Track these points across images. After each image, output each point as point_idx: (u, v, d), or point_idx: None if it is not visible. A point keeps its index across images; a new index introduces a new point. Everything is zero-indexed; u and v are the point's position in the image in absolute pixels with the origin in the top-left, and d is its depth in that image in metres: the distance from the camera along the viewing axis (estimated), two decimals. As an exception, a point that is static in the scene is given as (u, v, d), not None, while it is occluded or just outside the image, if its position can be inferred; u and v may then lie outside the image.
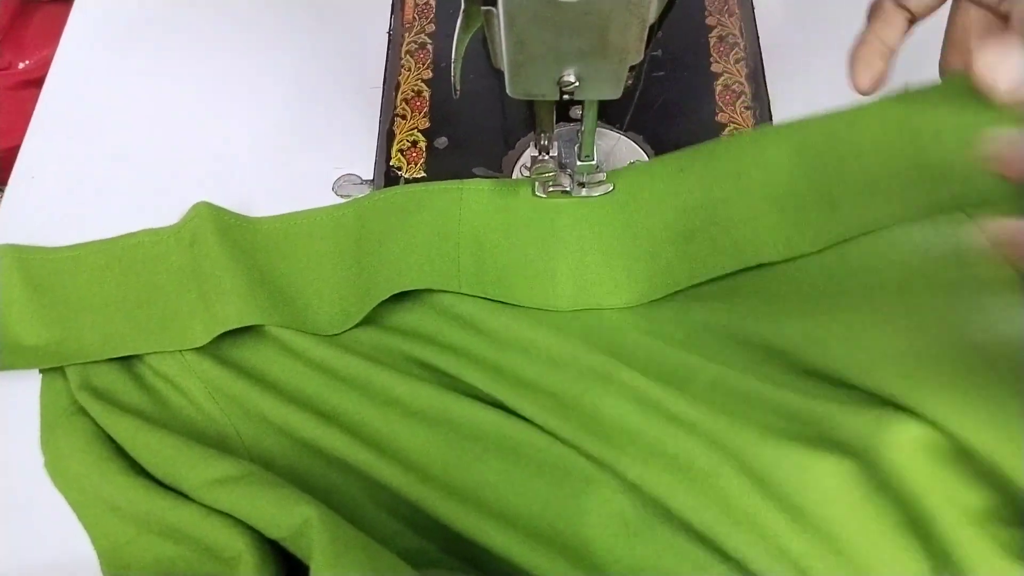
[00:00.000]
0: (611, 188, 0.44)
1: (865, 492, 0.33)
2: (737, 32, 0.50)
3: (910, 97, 0.41)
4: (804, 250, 0.40)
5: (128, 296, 0.44)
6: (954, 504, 0.32)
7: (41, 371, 0.44)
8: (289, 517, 0.34)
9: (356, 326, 0.43)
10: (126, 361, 0.43)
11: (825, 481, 0.33)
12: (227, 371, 0.42)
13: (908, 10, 0.40)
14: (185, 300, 0.43)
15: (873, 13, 0.41)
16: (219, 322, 0.42)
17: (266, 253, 0.45)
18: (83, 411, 0.42)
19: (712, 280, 0.42)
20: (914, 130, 0.40)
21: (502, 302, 0.42)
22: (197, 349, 0.42)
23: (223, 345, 0.42)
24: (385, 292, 0.41)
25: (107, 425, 0.40)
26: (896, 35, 0.40)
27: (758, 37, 0.50)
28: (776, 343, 0.38)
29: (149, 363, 0.43)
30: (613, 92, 0.34)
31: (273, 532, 0.35)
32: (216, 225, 0.44)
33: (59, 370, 0.43)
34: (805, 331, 0.38)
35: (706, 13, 0.51)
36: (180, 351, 0.42)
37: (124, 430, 0.40)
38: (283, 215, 0.46)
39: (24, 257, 0.46)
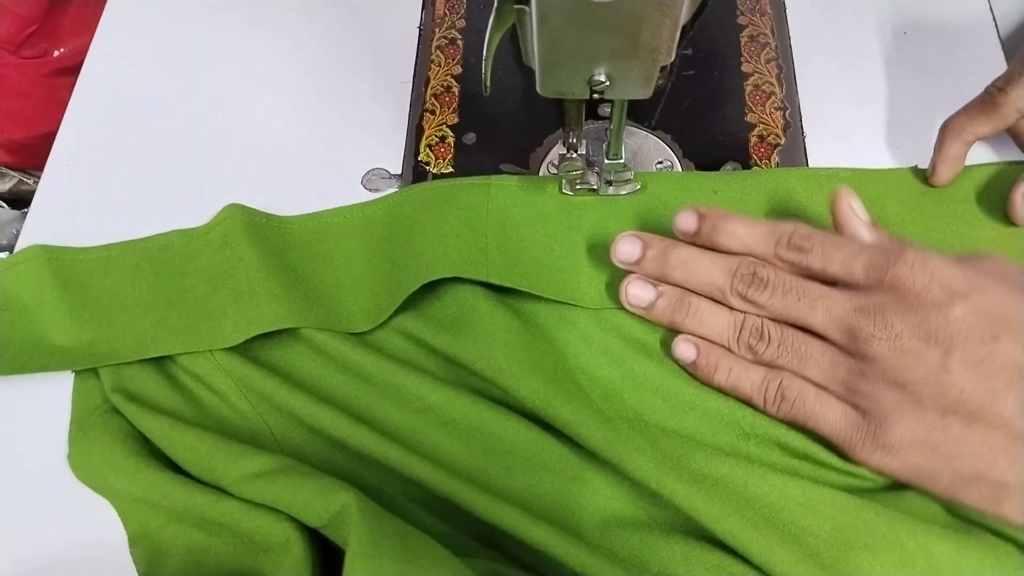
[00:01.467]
0: (638, 187, 0.44)
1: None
2: (768, 32, 0.50)
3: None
4: None
5: (159, 297, 0.45)
6: None
7: (74, 371, 0.44)
8: (328, 504, 0.35)
9: (388, 325, 0.43)
10: (158, 362, 0.44)
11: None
12: (258, 370, 0.42)
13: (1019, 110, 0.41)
14: (216, 301, 0.44)
15: (984, 105, 0.42)
16: (253, 324, 0.42)
17: (298, 253, 0.45)
18: (116, 411, 0.42)
19: None
20: None
21: (532, 296, 0.42)
22: (227, 349, 0.42)
23: (253, 345, 0.43)
24: (415, 283, 0.41)
25: (142, 425, 0.41)
26: (992, 131, 0.42)
27: (789, 37, 0.50)
28: None
29: (181, 363, 0.43)
30: (643, 92, 0.34)
31: (314, 520, 0.36)
32: (247, 227, 0.45)
33: (92, 370, 0.44)
34: None
35: (737, 12, 0.51)
36: (211, 351, 0.43)
37: (159, 429, 0.40)
38: (313, 214, 0.47)
39: (55, 258, 0.46)
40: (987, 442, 0.33)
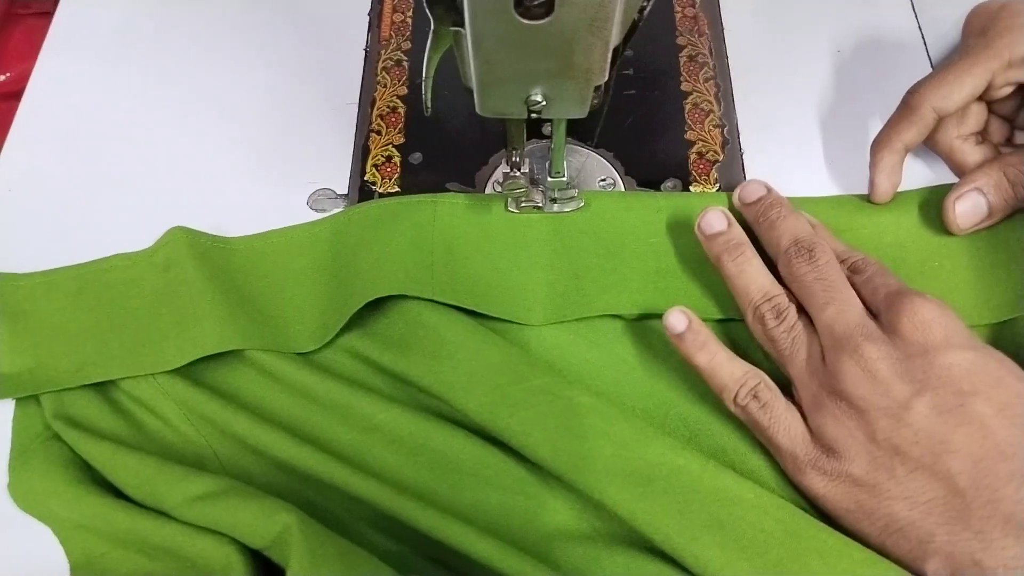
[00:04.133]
0: (582, 204, 0.45)
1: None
2: (707, 52, 0.51)
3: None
4: None
5: (101, 321, 0.44)
6: None
7: (14, 398, 0.44)
8: (270, 525, 0.35)
9: (335, 344, 0.43)
10: (100, 387, 0.43)
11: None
12: (201, 393, 0.42)
13: (938, 112, 0.42)
14: (158, 324, 0.43)
15: (903, 112, 0.43)
16: (197, 346, 0.42)
17: (243, 274, 0.45)
18: (57, 437, 0.42)
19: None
20: None
21: (477, 314, 0.42)
22: (170, 372, 0.42)
23: (197, 368, 0.42)
24: (361, 300, 0.41)
25: (84, 451, 0.40)
26: (917, 136, 0.43)
27: (727, 57, 0.51)
28: None
29: (123, 388, 0.43)
30: (579, 111, 0.35)
31: (256, 542, 0.36)
32: (191, 248, 0.45)
33: (33, 397, 0.43)
34: None
35: (676, 33, 0.52)
36: (153, 375, 0.42)
37: (101, 454, 0.40)
38: (259, 234, 0.47)
39: None
40: (928, 492, 0.32)
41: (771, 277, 0.39)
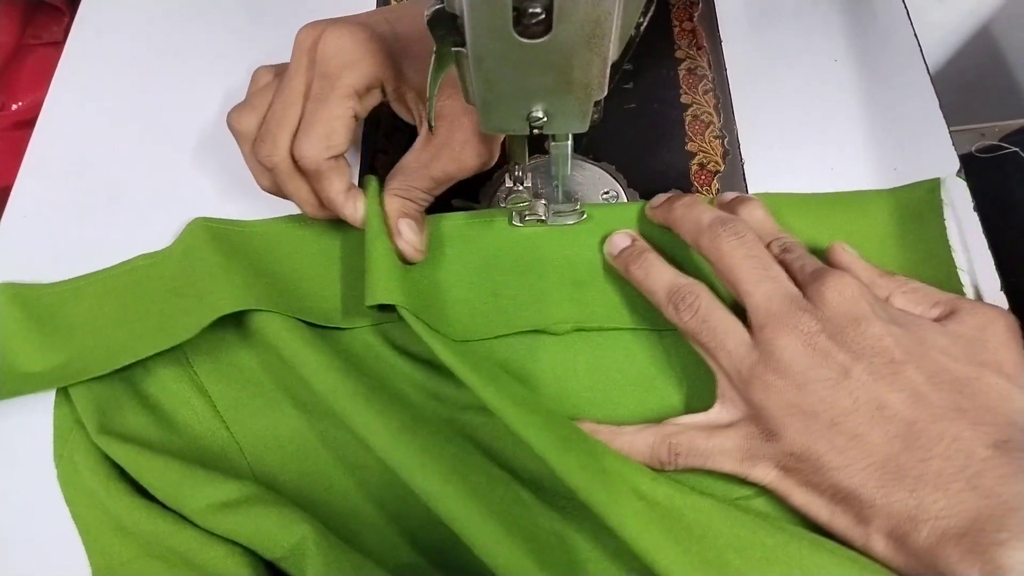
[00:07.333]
0: (585, 216, 0.45)
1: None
2: (705, 64, 0.52)
3: None
4: None
5: (128, 313, 0.46)
6: None
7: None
8: (288, 536, 0.36)
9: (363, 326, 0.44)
10: (134, 380, 0.44)
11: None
12: (234, 388, 0.43)
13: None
14: (179, 303, 0.45)
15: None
16: (214, 309, 0.42)
17: (261, 254, 0.46)
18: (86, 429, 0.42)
19: None
20: None
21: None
22: (205, 366, 0.44)
23: (230, 355, 0.44)
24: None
25: (111, 450, 0.41)
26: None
27: (726, 69, 0.52)
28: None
29: (158, 376, 0.44)
30: (580, 126, 0.35)
31: (273, 551, 0.36)
32: (208, 232, 0.46)
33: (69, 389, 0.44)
34: None
35: (675, 47, 0.53)
36: (191, 369, 0.44)
37: (126, 454, 0.40)
38: (276, 218, 0.48)
39: (21, 292, 0.47)
40: (866, 458, 0.33)
41: (676, 271, 0.40)
